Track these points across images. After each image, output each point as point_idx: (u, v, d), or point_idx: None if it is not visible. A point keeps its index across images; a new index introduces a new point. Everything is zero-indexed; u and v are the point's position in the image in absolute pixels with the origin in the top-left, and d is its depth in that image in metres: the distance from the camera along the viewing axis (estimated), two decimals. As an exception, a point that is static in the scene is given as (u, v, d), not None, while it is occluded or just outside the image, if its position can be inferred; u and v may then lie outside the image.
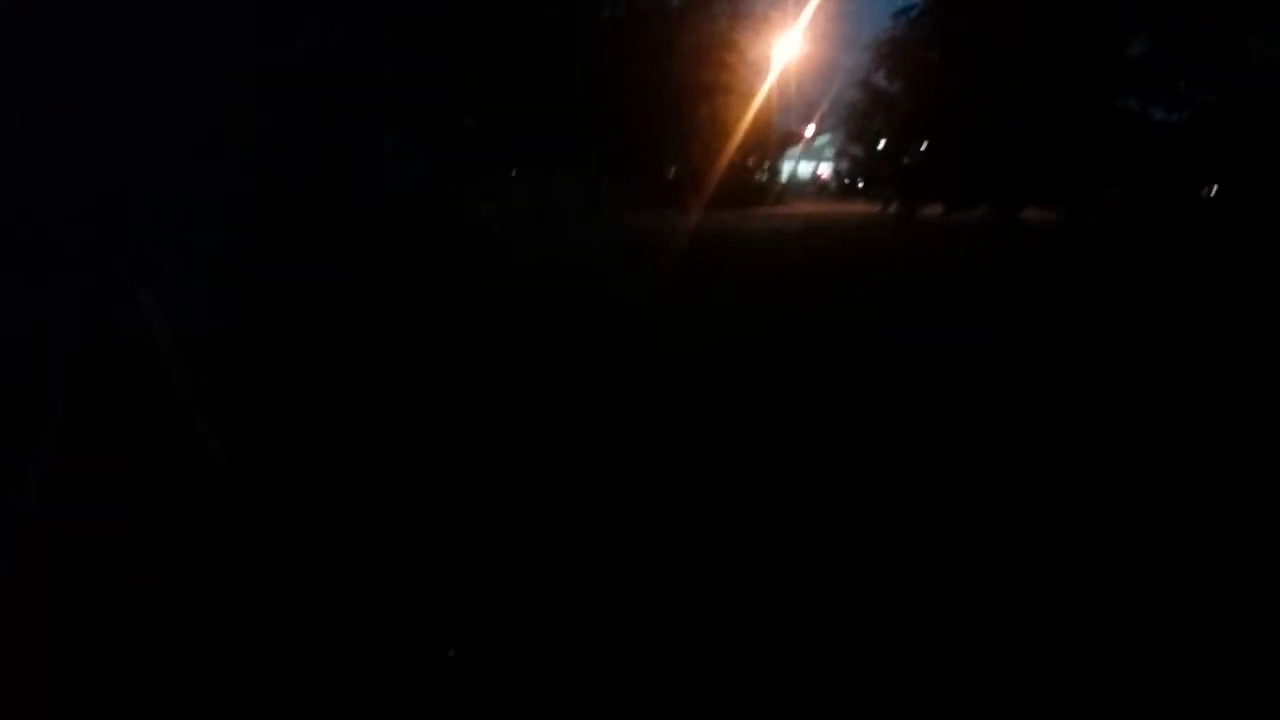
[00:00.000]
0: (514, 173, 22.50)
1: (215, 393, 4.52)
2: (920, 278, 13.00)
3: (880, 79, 23.82)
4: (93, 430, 4.78)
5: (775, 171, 35.47)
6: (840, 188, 29.91)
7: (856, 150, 26.90)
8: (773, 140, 33.98)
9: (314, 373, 6.54)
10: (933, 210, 22.54)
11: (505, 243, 12.00)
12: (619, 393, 6.09)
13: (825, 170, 43.22)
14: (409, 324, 8.01)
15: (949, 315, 9.37)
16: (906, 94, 22.46)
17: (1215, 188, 18.77)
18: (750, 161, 32.74)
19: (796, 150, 40.87)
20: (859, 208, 27.00)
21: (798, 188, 38.99)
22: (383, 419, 5.53)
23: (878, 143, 25.24)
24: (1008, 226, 20.26)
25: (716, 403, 5.83)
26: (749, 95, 30.67)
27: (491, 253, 11.06)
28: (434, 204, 10.24)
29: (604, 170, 26.14)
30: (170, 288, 4.98)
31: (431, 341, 7.63)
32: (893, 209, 23.58)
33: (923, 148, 22.38)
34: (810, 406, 5.84)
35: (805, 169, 43.08)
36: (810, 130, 40.50)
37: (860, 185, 26.79)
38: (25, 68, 6.28)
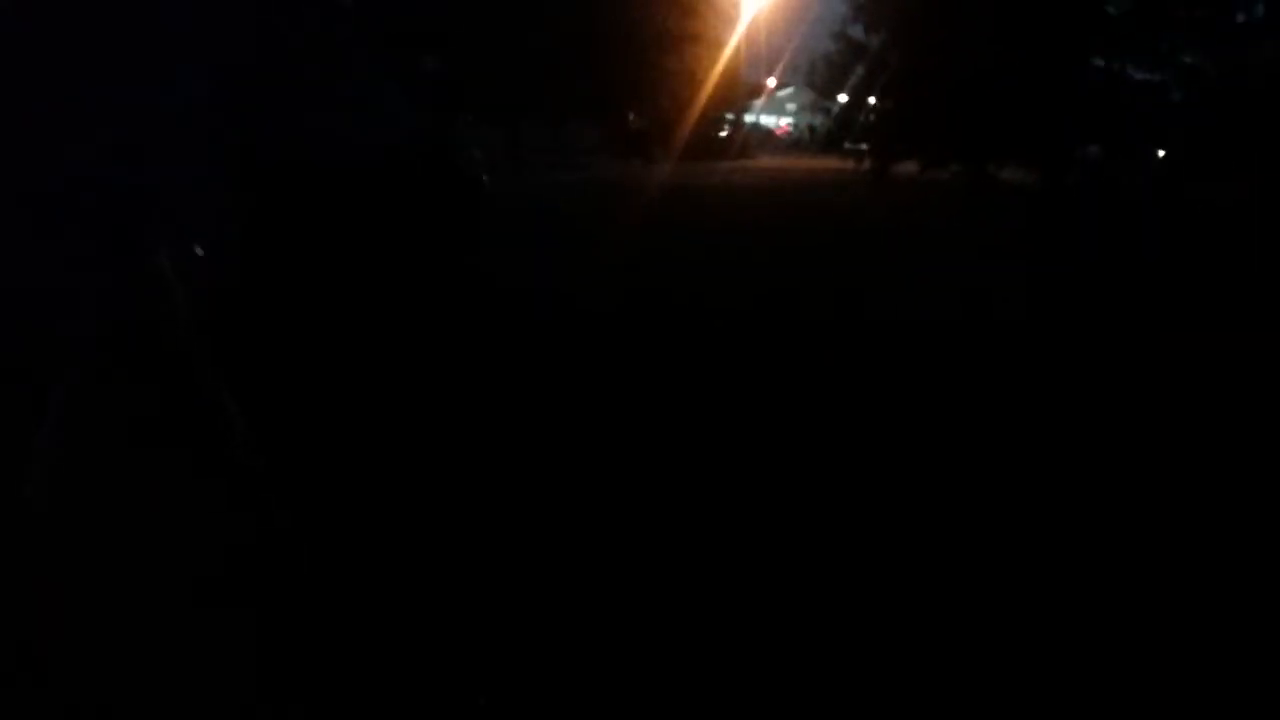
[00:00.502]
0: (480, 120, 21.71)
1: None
2: (886, 240, 12.86)
3: (858, 31, 23.36)
4: (106, 417, 4.26)
5: (740, 124, 34.93)
6: (810, 142, 29.49)
7: (829, 104, 26.48)
8: (739, 92, 33.42)
9: (327, 334, 6.06)
10: (907, 168, 22.26)
11: (492, 195, 11.40)
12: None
13: (787, 124, 42.76)
14: (416, 285, 7.57)
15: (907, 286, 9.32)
16: (886, 46, 22.03)
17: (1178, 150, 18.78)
18: (716, 113, 32.14)
19: (759, 103, 40.34)
20: (829, 163, 26.59)
21: (761, 141, 38.48)
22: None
23: (851, 96, 24.83)
24: (984, 186, 20.08)
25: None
26: (717, 44, 30.01)
27: (483, 205, 10.48)
28: (428, 156, 9.62)
29: (571, 118, 25.45)
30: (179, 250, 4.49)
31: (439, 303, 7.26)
32: (865, 166, 23.23)
33: (899, 102, 22.00)
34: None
35: (768, 121, 42.57)
36: (773, 83, 40.00)
37: (831, 140, 26.36)
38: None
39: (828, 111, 26.82)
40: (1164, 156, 18.83)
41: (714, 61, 29.06)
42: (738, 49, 31.16)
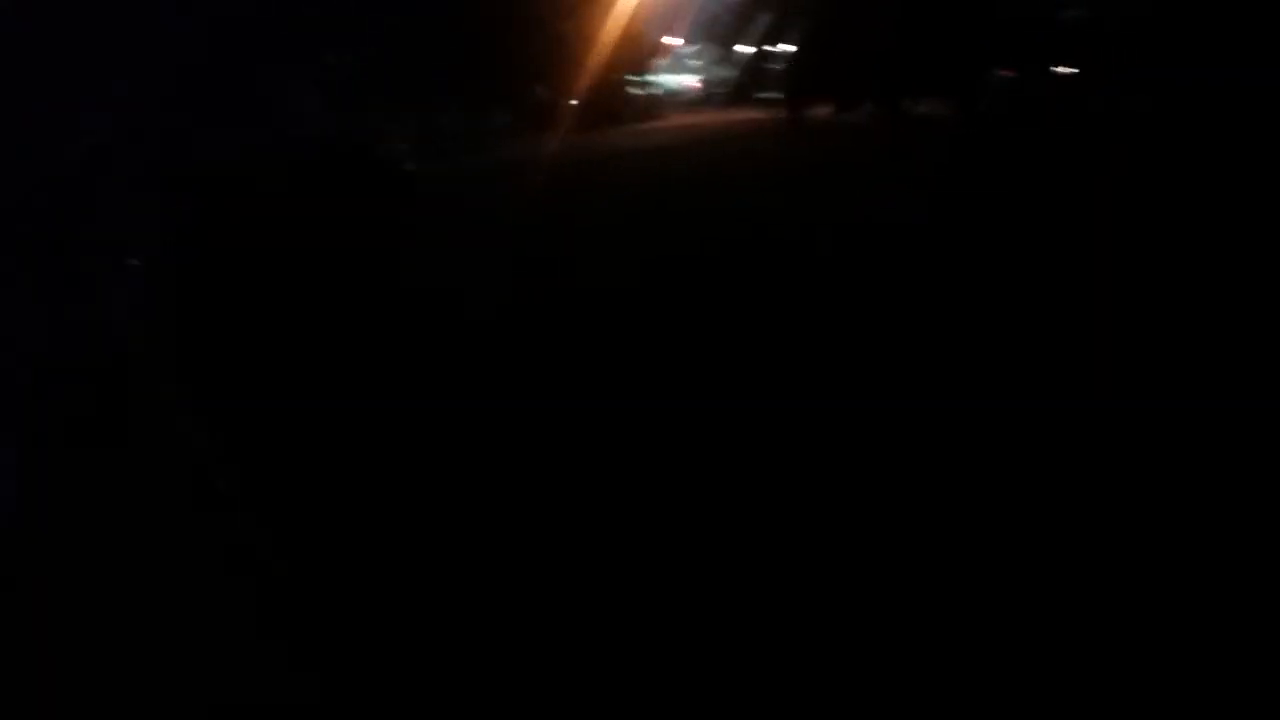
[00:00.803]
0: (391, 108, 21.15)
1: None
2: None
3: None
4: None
5: (648, 85, 34.60)
6: (721, 96, 29.31)
7: (733, 57, 26.35)
8: (643, 53, 33.08)
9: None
10: (822, 112, 22.28)
11: (418, 182, 11.15)
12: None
13: (693, 81, 42.49)
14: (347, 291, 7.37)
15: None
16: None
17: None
18: (622, 77, 31.74)
19: (663, 62, 39.98)
20: (741, 115, 26.49)
21: (669, 100, 38.17)
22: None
23: (756, 46, 24.76)
24: (899, 122, 20.20)
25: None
26: (615, 6, 29.56)
27: (410, 194, 10.25)
28: (346, 146, 9.35)
29: (479, 99, 24.96)
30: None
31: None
32: (780, 115, 23.19)
33: (807, 45, 21.99)
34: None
35: (673, 81, 42.24)
36: (676, 41, 39.69)
37: (741, 92, 26.24)
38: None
39: (733, 65, 26.64)
40: (1072, 73, 19.14)
41: (614, 24, 28.70)
42: (637, 9, 30.79)
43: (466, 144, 22.94)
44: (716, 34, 35.38)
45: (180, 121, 7.38)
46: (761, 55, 24.57)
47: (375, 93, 18.09)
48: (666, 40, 39.15)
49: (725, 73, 33.17)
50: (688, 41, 41.28)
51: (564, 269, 8.12)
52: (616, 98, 30.48)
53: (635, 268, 7.88)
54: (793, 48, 23.05)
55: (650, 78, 36.96)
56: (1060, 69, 19.38)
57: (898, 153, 16.27)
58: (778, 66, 23.89)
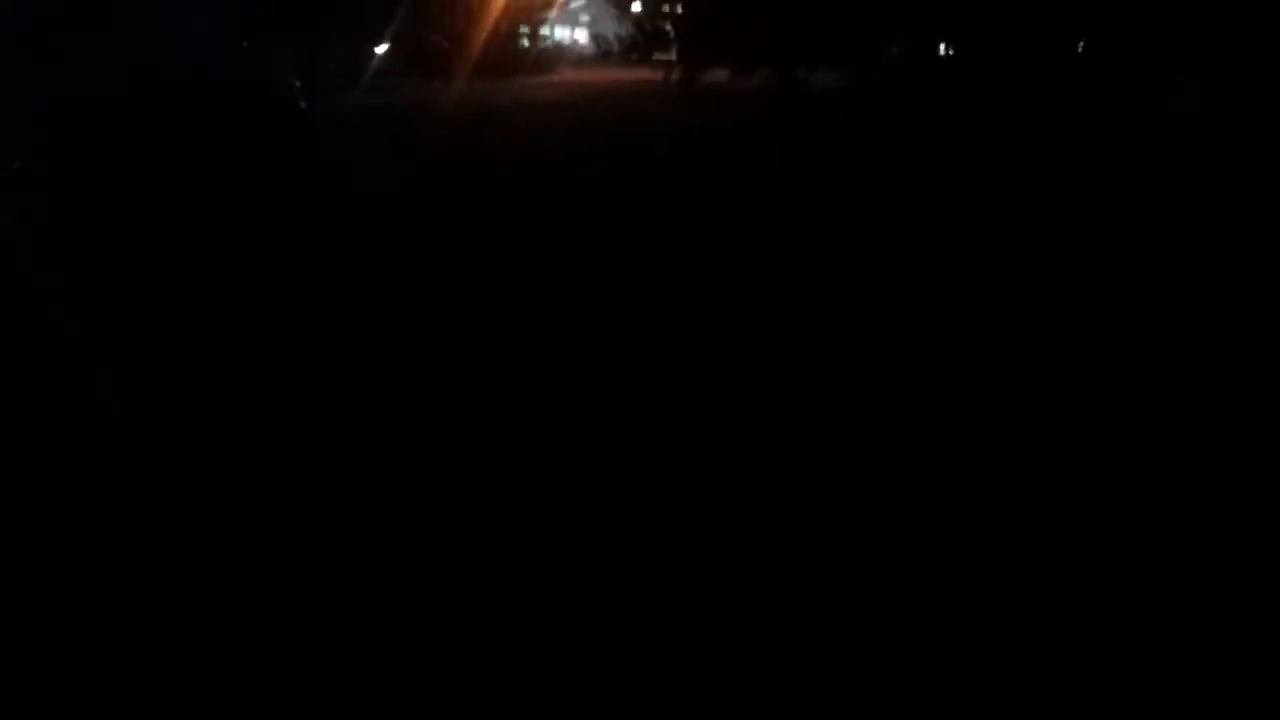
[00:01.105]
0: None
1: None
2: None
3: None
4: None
5: (539, 37, 34.02)
6: (614, 54, 28.89)
7: (630, 12, 26.07)
8: (534, 5, 32.47)
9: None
10: (717, 76, 22.29)
11: (311, 119, 10.65)
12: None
13: (582, 36, 42.02)
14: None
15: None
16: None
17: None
18: (512, 28, 31.08)
19: (552, 15, 39.37)
20: (635, 75, 26.25)
21: (560, 54, 37.65)
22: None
23: (652, 4, 24.56)
24: (793, 90, 20.39)
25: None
26: (508, -44, 28.84)
27: (301, 130, 9.78)
28: (239, 80, 8.85)
29: (365, 39, 24.09)
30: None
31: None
32: (674, 76, 23.07)
33: (703, 8, 21.94)
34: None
35: (562, 34, 41.69)
36: (566, -6, 39.10)
37: (635, 50, 25.93)
38: None
39: (627, 22, 26.37)
40: (955, 50, 19.71)
41: (506, -27, 28.04)
42: (530, -40, 30.16)
43: (353, 84, 22.09)
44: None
45: (62, 46, 6.82)
46: (656, 14, 24.37)
47: (261, 26, 17.19)
48: (558, -7, 38.54)
49: (618, 29, 32.87)
50: (579, -4, 40.83)
51: (439, 233, 7.82)
52: (506, 50, 29.78)
53: (513, 233, 7.71)
54: (689, 8, 22.94)
55: (541, 30, 36.33)
56: (945, 45, 19.95)
57: (793, 120, 16.45)
58: (672, 26, 23.75)
